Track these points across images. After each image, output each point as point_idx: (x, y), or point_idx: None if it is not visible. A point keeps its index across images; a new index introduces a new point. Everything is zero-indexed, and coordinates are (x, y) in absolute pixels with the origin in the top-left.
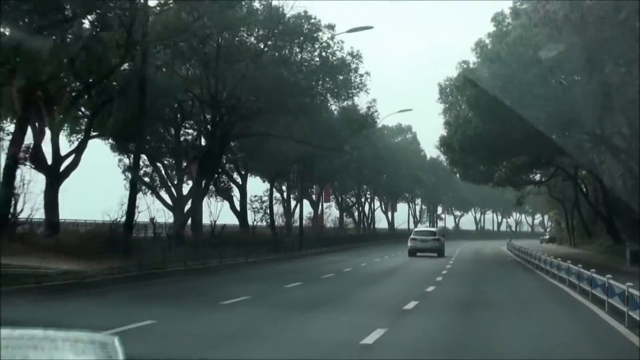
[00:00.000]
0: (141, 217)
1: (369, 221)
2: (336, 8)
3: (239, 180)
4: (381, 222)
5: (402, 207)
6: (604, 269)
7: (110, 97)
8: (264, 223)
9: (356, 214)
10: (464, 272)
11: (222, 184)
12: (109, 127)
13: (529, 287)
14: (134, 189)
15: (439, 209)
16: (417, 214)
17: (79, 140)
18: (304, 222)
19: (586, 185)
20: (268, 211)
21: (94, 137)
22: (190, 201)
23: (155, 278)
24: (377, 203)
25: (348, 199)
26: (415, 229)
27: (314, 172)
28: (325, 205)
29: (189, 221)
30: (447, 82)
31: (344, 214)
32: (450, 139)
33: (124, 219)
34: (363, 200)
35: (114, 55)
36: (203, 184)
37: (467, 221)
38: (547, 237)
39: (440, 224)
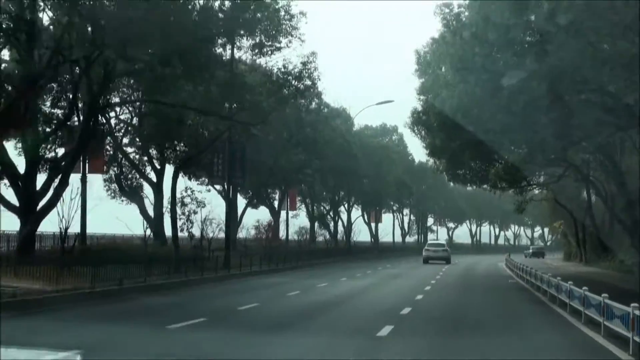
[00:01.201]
0: None
1: (347, 233)
2: None
3: (153, 176)
4: (361, 234)
5: (388, 218)
6: None
7: None
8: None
9: (332, 224)
10: (436, 309)
11: (128, 181)
12: None
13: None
14: None
15: (430, 220)
16: (406, 225)
17: None
18: (257, 232)
19: (603, 189)
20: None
21: None
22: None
23: None
24: (358, 212)
25: (323, 208)
26: (428, 242)
27: (245, 161)
28: (291, 214)
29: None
30: (426, 49)
31: (316, 224)
32: (427, 113)
33: None
34: (341, 208)
35: None
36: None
37: (462, 234)
38: (531, 250)
39: (431, 236)
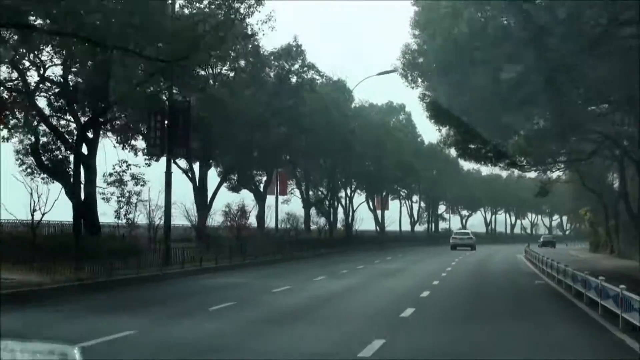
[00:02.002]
0: None
1: (349, 221)
2: None
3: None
4: (365, 223)
5: (396, 205)
6: None
7: None
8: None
9: (331, 212)
10: (431, 334)
11: (50, 154)
12: None
13: None
14: None
15: (442, 208)
16: (415, 213)
17: None
18: (226, 219)
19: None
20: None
21: None
22: None
23: None
24: (361, 198)
25: (320, 192)
26: (455, 231)
27: (189, 125)
28: (281, 199)
29: None
30: None
31: (313, 211)
32: (423, 51)
33: None
34: (341, 194)
35: None
36: None
37: (476, 222)
38: (542, 240)
39: (443, 225)
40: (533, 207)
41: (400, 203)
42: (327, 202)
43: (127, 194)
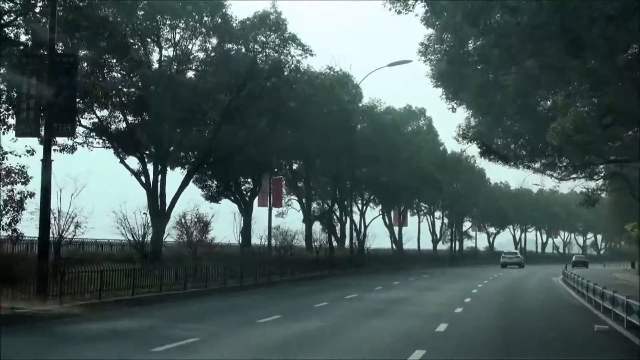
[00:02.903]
0: None
1: (360, 237)
2: None
3: None
4: (379, 240)
5: (415, 221)
6: None
7: None
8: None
9: (339, 227)
10: None
11: None
12: None
13: None
14: None
15: (466, 224)
16: (437, 230)
17: None
18: (182, 231)
19: None
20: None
21: None
22: None
23: None
24: (374, 213)
25: (326, 204)
26: (504, 252)
27: (75, 85)
28: (275, 211)
29: None
30: None
31: (319, 227)
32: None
33: None
34: (352, 208)
35: None
36: None
37: (504, 241)
38: (574, 259)
39: (469, 243)
40: (566, 224)
41: (419, 218)
42: (333, 215)
43: (15, 196)
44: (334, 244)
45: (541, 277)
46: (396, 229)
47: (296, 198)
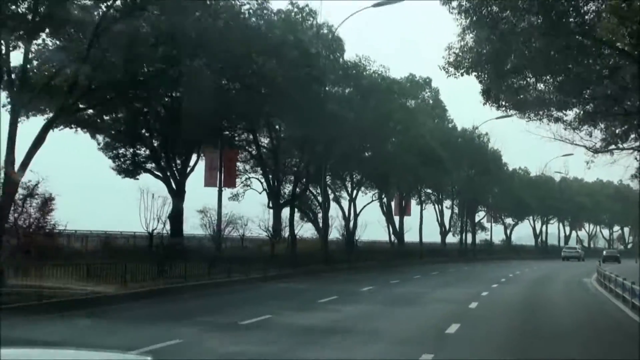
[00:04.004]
0: None
1: (350, 227)
2: None
3: None
4: (375, 232)
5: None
6: None
7: None
8: None
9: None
10: None
11: None
12: None
13: None
14: None
15: (480, 215)
16: (447, 221)
17: None
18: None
19: None
20: None
21: None
22: None
23: None
24: (366, 199)
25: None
26: (565, 247)
27: None
28: (230, 192)
29: None
30: None
31: (295, 214)
32: None
33: None
34: (330, 191)
35: None
36: None
37: (523, 234)
38: (605, 254)
39: (483, 236)
40: (591, 216)
41: (422, 206)
42: (316, 201)
43: None
44: (315, 234)
45: (568, 279)
46: (397, 219)
47: (260, 176)
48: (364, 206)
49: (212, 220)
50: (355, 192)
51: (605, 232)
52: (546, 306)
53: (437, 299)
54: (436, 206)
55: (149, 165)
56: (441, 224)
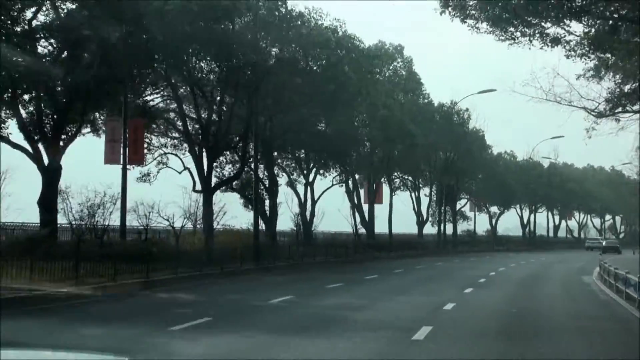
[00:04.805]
0: None
1: (307, 217)
2: None
3: None
4: (334, 221)
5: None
6: None
7: None
8: None
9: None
10: None
11: None
12: None
13: None
14: None
15: (462, 202)
16: (424, 209)
17: None
18: None
19: None
20: None
21: None
22: None
23: None
24: (326, 183)
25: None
26: (588, 239)
27: None
28: (138, 171)
29: None
30: None
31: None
32: None
33: None
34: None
35: None
36: None
37: (510, 225)
38: (605, 245)
39: (465, 226)
40: (582, 205)
41: (391, 192)
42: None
43: None
44: (262, 226)
45: (564, 277)
46: (366, 207)
47: (184, 153)
48: (323, 191)
49: (69, 204)
50: (313, 174)
51: (597, 221)
52: (540, 333)
53: (368, 322)
54: (413, 193)
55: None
56: (418, 213)
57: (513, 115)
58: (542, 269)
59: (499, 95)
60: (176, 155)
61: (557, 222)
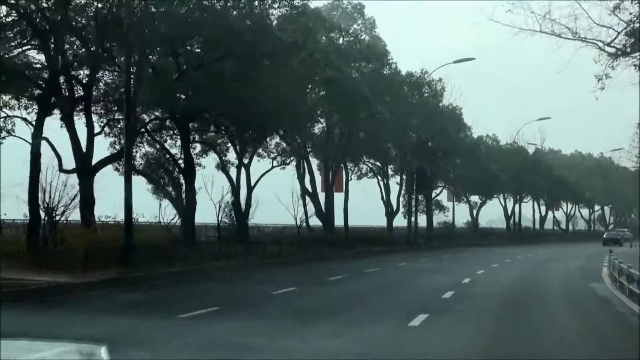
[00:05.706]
0: None
1: (242, 206)
2: None
3: None
4: (274, 212)
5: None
6: None
7: None
8: None
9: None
10: None
11: None
12: None
13: None
14: None
15: (438, 191)
16: (394, 199)
17: None
18: None
19: None
20: None
21: None
22: None
23: None
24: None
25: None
26: (607, 232)
27: None
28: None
29: None
30: None
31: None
32: None
33: None
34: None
35: None
36: None
37: (494, 217)
38: (605, 237)
39: (443, 217)
40: (570, 194)
41: (347, 176)
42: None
43: None
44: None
45: (567, 286)
46: (322, 196)
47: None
48: (262, 175)
49: None
50: (248, 154)
51: (585, 212)
52: None
53: None
54: (382, 181)
55: None
56: (387, 203)
57: (495, 90)
58: (533, 272)
59: (478, 65)
60: (21, 118)
61: (543, 213)
